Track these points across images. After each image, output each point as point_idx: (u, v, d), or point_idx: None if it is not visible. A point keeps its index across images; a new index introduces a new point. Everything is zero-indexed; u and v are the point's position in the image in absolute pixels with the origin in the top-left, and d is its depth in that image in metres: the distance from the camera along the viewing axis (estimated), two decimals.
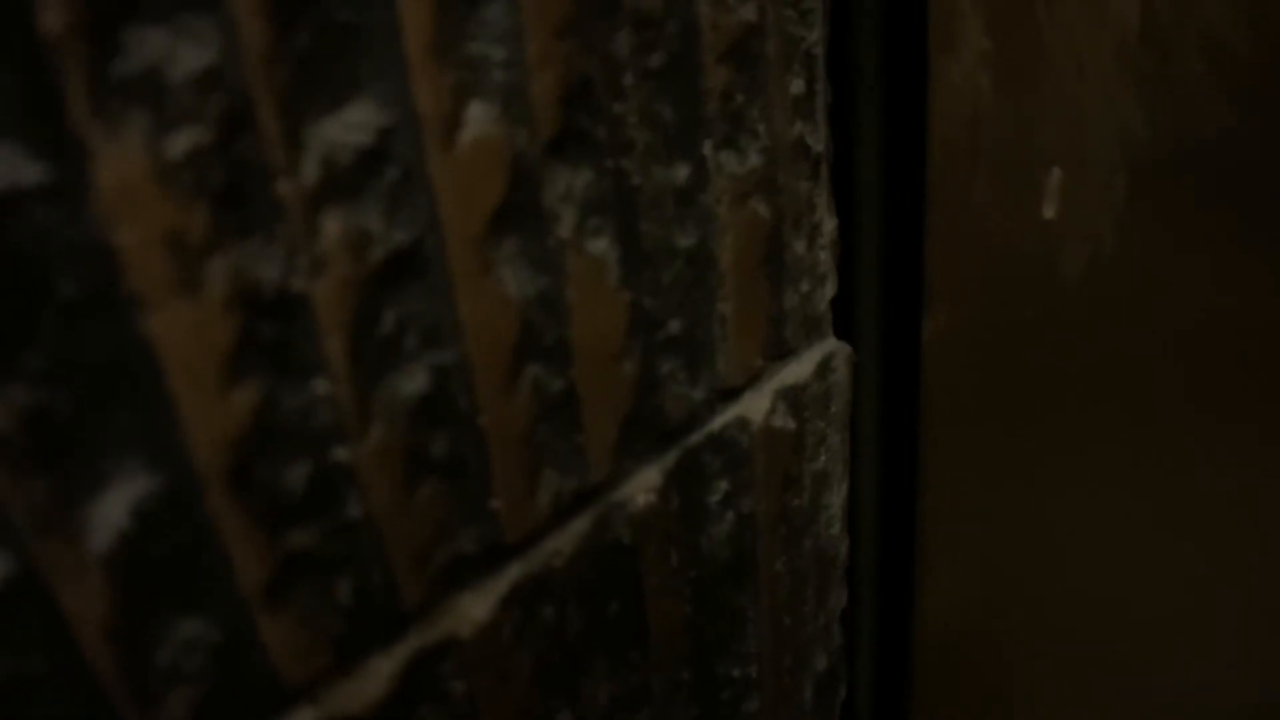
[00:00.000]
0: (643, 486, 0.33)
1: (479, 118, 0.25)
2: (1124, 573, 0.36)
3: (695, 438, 0.35)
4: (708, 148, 0.32)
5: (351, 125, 0.23)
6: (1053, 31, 0.30)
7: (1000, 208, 0.33)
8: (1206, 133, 0.28)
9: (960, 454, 0.40)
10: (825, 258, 0.38)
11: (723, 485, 0.36)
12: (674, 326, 0.33)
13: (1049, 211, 0.31)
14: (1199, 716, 0.36)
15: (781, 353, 0.38)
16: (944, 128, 0.33)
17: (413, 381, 0.26)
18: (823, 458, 0.41)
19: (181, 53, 0.20)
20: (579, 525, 0.32)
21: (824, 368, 0.39)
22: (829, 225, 0.38)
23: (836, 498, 0.42)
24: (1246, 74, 0.27)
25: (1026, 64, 0.30)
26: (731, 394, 0.36)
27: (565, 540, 0.31)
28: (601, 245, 0.30)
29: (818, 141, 0.36)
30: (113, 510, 0.21)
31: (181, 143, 0.21)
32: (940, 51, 0.32)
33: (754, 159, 0.34)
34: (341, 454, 0.25)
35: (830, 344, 0.40)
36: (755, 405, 0.37)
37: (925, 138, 0.34)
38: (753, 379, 0.37)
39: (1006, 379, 0.37)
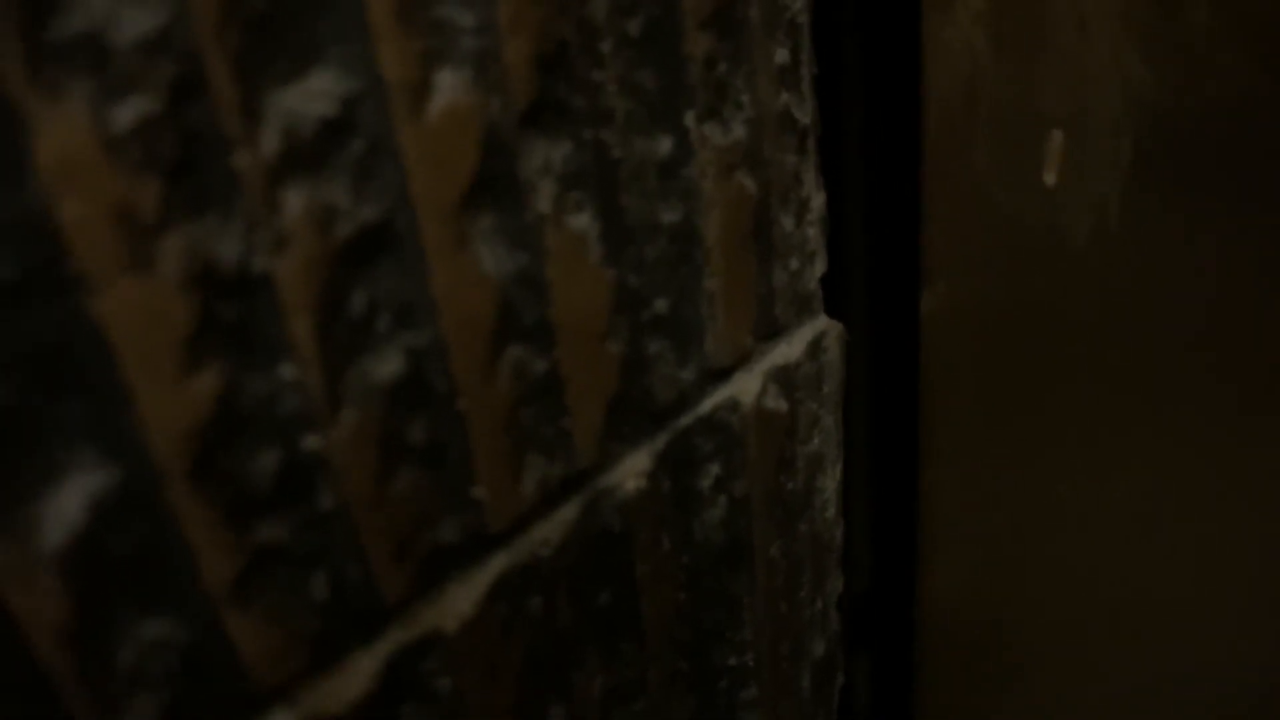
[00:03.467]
0: (632, 471, 0.32)
1: (449, 85, 0.24)
2: (1128, 554, 0.35)
3: (685, 420, 0.34)
4: (690, 119, 0.31)
5: (313, 94, 0.22)
6: None
7: (1000, 175, 0.32)
8: (1215, 90, 0.27)
9: (960, 432, 0.39)
10: (814, 234, 0.37)
11: (714, 469, 0.35)
12: (660, 305, 0.32)
13: (1050, 178, 0.30)
14: (1203, 701, 0.35)
15: (771, 332, 0.36)
16: (939, 91, 0.32)
17: (386, 364, 0.25)
18: (816, 440, 0.39)
19: (126, 14, 0.19)
20: (567, 512, 0.30)
21: (815, 347, 0.38)
22: (817, 200, 0.37)
23: (831, 481, 0.41)
24: (1256, 26, 0.26)
25: (1025, 21, 0.29)
26: (721, 375, 0.35)
27: (552, 528, 0.30)
28: (582, 220, 0.28)
29: (804, 114, 0.35)
30: (67, 506, 0.20)
31: (128, 112, 0.19)
32: (934, 10, 0.31)
33: (738, 130, 0.32)
34: (312, 442, 0.24)
35: (821, 322, 0.38)
36: (746, 386, 0.36)
37: (919, 102, 0.32)
38: (742, 359, 0.35)
39: (1008, 353, 0.36)
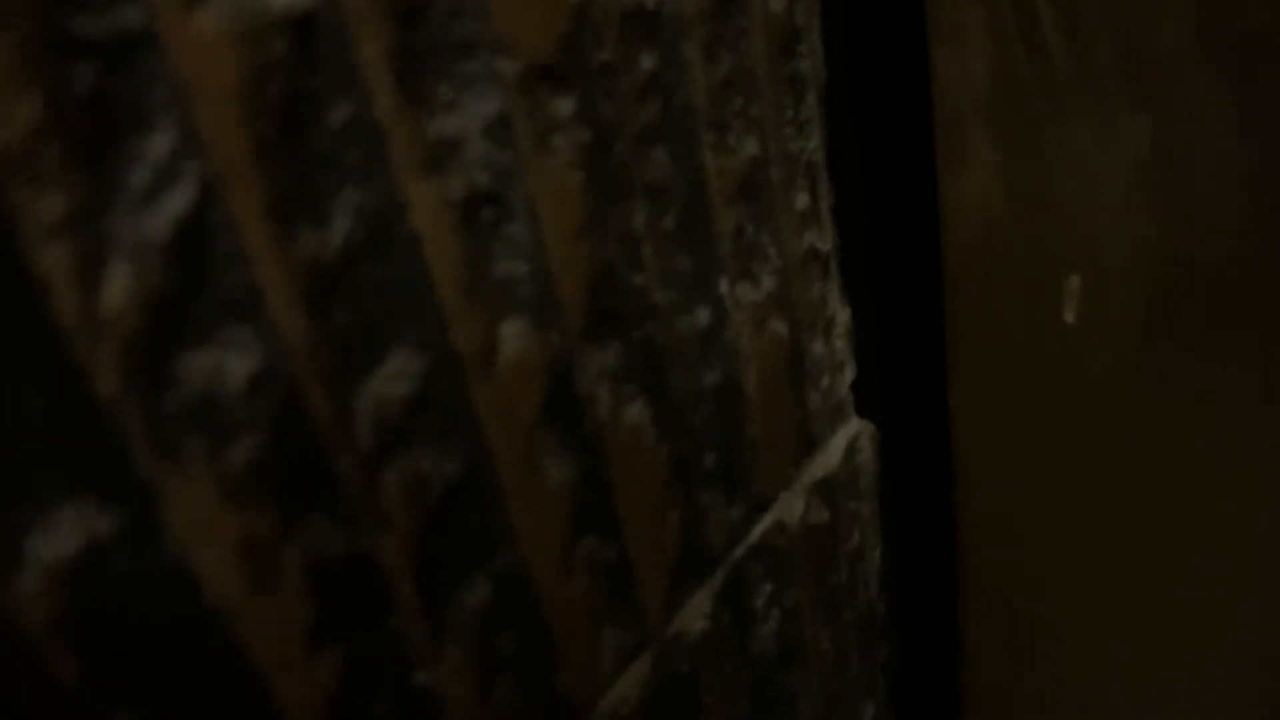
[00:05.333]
0: (695, 615, 0.34)
1: (513, 335, 0.26)
2: (1163, 644, 0.37)
3: (738, 553, 0.36)
4: (724, 285, 0.32)
5: (394, 377, 0.24)
6: (1062, 149, 0.30)
7: (1020, 311, 0.33)
8: (1222, 249, 0.28)
9: (995, 515, 0.41)
10: (842, 346, 0.39)
11: (767, 588, 0.37)
12: (709, 461, 0.33)
13: (1069, 316, 0.32)
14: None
15: (809, 449, 0.38)
16: (957, 234, 0.34)
17: (475, 593, 0.27)
18: (856, 535, 0.42)
19: (229, 366, 0.21)
20: (640, 668, 0.33)
21: (850, 450, 0.40)
22: (843, 317, 0.38)
23: (871, 565, 0.43)
24: (1255, 190, 0.27)
25: (1038, 178, 0.31)
26: (767, 503, 0.37)
27: (629, 687, 0.32)
28: (636, 411, 0.30)
29: (825, 243, 0.36)
30: None
31: (242, 453, 0.21)
32: (949, 162, 0.32)
33: (768, 283, 0.34)
34: (421, 678, 0.26)
35: (854, 425, 0.40)
36: (790, 507, 0.38)
37: (939, 246, 0.34)
38: (786, 484, 0.37)
39: (1034, 452, 0.38)
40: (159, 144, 0.19)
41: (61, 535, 0.19)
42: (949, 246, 0.35)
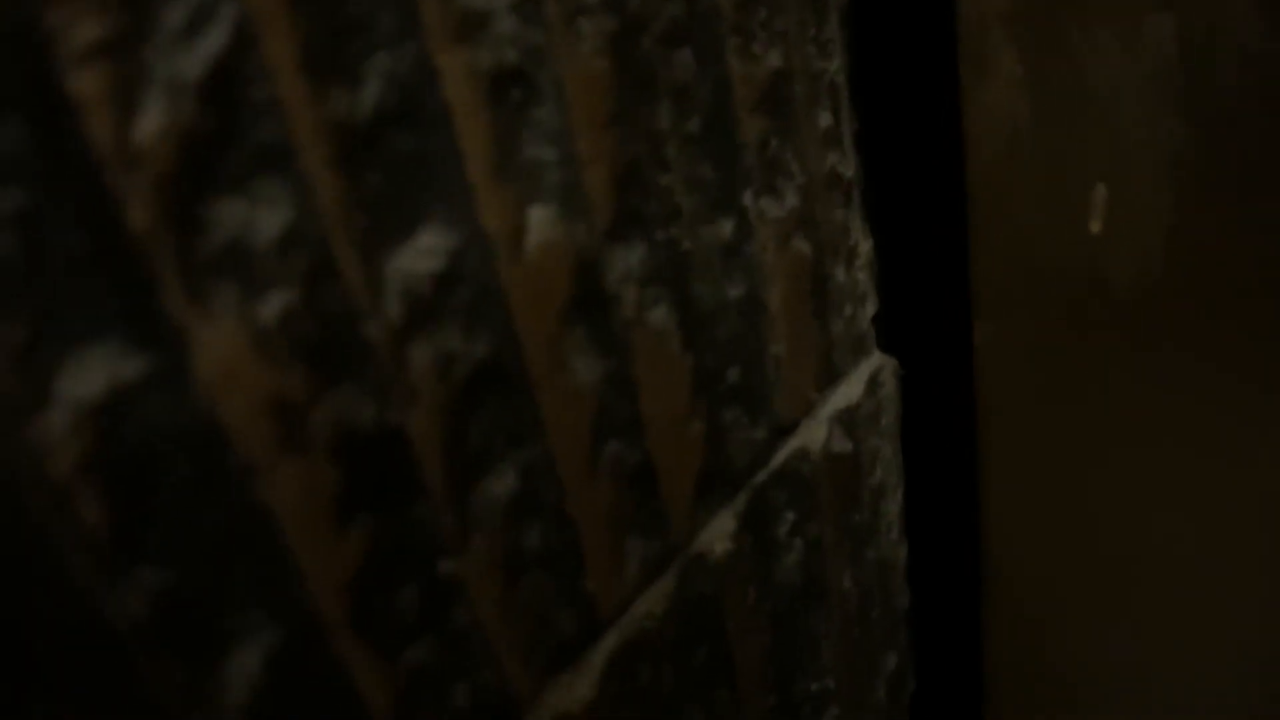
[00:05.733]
0: (719, 534, 0.34)
1: (541, 221, 0.26)
2: (1190, 562, 0.36)
3: (761, 476, 0.35)
4: (748, 198, 0.32)
5: (424, 252, 0.23)
6: (1087, 55, 0.30)
7: (1046, 225, 0.33)
8: (1249, 145, 0.28)
9: (1017, 450, 0.40)
10: (864, 278, 0.39)
11: (790, 516, 0.37)
12: (733, 376, 0.33)
13: (1095, 226, 0.32)
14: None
15: (832, 378, 0.38)
16: (980, 150, 0.33)
17: (502, 483, 0.26)
18: (879, 471, 0.41)
19: (260, 218, 0.20)
20: (665, 584, 0.32)
21: (873, 384, 0.40)
22: (864, 247, 0.38)
23: (893, 505, 0.43)
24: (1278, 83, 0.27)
25: (1063, 88, 0.30)
26: (790, 428, 0.36)
27: (654, 601, 0.32)
28: (661, 315, 0.30)
29: (848, 168, 0.36)
30: (245, 667, 0.22)
31: (271, 307, 0.21)
32: (973, 78, 0.32)
33: (791, 199, 0.34)
34: (446, 566, 0.25)
35: (876, 359, 0.40)
36: (813, 434, 0.37)
37: (962, 158, 0.34)
38: (808, 409, 0.37)
39: (1059, 380, 0.37)
40: None
41: (90, 376, 0.19)
42: (973, 165, 0.34)
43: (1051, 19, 0.30)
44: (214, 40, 0.19)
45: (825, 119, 0.35)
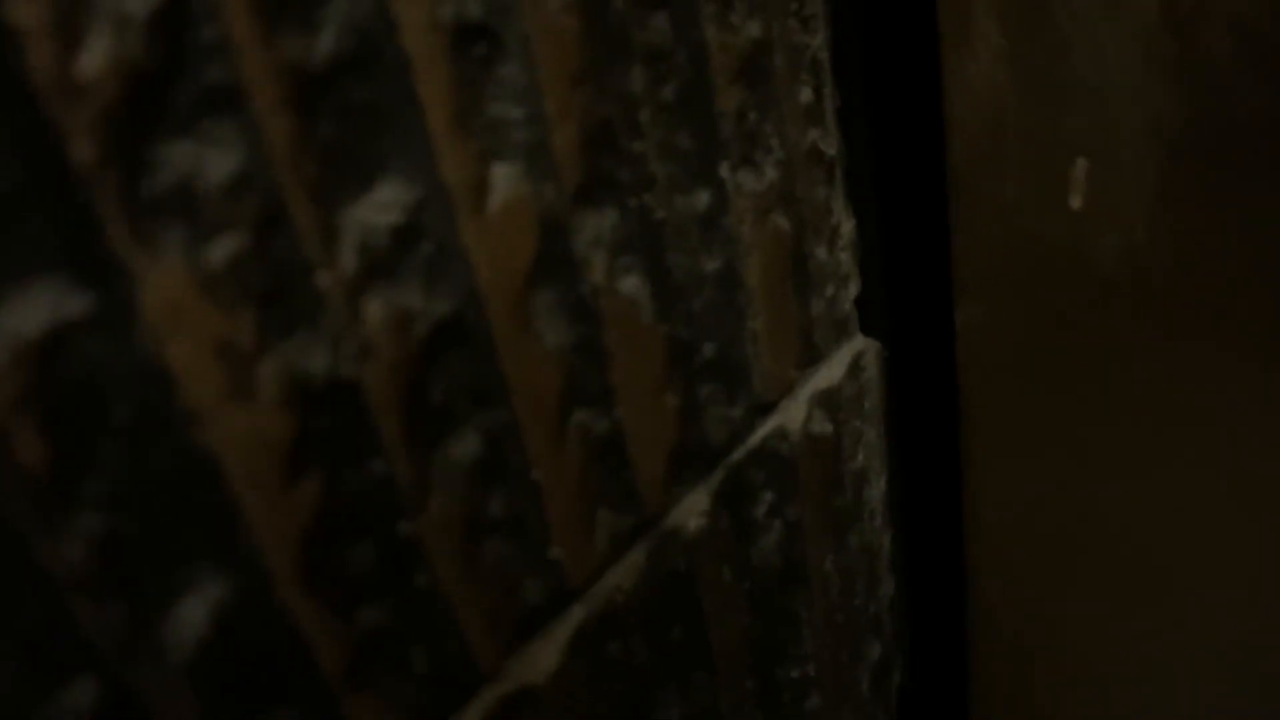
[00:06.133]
0: (693, 511, 0.33)
1: (505, 179, 0.25)
2: (1177, 548, 0.36)
3: (738, 455, 0.35)
4: (725, 170, 0.32)
5: (382, 205, 0.23)
6: (1070, 23, 0.29)
7: (1027, 201, 0.32)
8: (1237, 115, 0.28)
9: (1000, 434, 0.40)
10: (846, 258, 0.38)
11: (768, 496, 0.37)
12: (708, 350, 0.33)
13: (1076, 202, 0.31)
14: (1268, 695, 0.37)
15: (813, 359, 0.37)
16: (963, 123, 0.33)
17: (465, 446, 0.26)
18: (861, 455, 0.41)
19: (210, 160, 0.20)
20: (636, 558, 0.32)
21: (855, 367, 0.39)
22: (847, 227, 0.38)
23: (876, 491, 0.42)
24: (1271, 53, 0.27)
25: (1045, 58, 0.30)
26: (768, 407, 0.36)
27: (624, 575, 0.31)
28: (633, 283, 0.29)
29: (830, 146, 0.36)
30: (190, 620, 0.22)
31: (220, 251, 0.20)
32: (953, 52, 0.32)
33: (771, 174, 0.33)
34: (404, 528, 0.25)
35: (858, 342, 0.40)
36: (792, 414, 0.37)
37: (944, 137, 0.33)
38: (787, 389, 0.37)
39: (1044, 363, 0.37)
40: None
41: (31, 311, 0.18)
42: (954, 142, 0.34)
43: None
44: None
45: (807, 94, 0.34)
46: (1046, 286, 0.34)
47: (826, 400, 0.38)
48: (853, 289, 0.39)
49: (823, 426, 0.38)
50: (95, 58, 0.18)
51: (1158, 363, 0.33)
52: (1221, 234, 0.30)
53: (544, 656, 0.29)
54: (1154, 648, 0.39)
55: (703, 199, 0.31)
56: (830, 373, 0.38)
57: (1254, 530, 0.34)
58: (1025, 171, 0.32)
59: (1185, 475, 0.35)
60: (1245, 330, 0.31)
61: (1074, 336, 0.35)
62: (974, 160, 0.34)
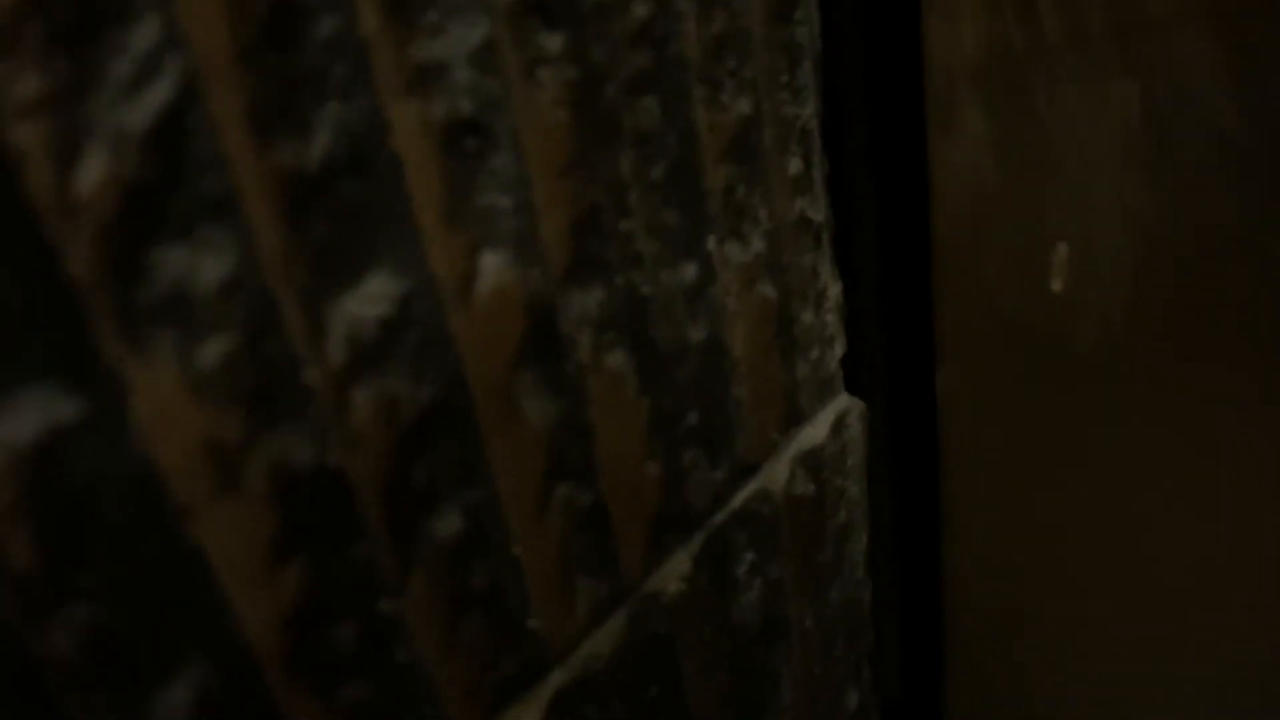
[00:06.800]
0: (673, 575, 0.34)
1: (493, 267, 0.26)
2: (1159, 611, 0.36)
3: (720, 517, 0.36)
4: (712, 243, 0.32)
5: (370, 297, 0.24)
6: (1053, 116, 0.30)
7: (1009, 280, 0.33)
8: (1211, 213, 0.28)
9: (980, 493, 0.41)
10: (832, 320, 0.39)
11: (749, 556, 0.37)
12: (692, 418, 0.33)
13: (1057, 285, 0.32)
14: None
15: (797, 419, 0.38)
16: (947, 204, 0.34)
17: (447, 524, 0.27)
18: (843, 512, 0.41)
19: (203, 266, 0.21)
20: (615, 624, 0.32)
21: (838, 425, 0.40)
22: (834, 290, 0.38)
23: (858, 545, 0.43)
24: (1246, 158, 0.27)
25: (1028, 146, 0.31)
26: (752, 469, 0.37)
27: (603, 641, 0.32)
28: (618, 359, 0.30)
29: (818, 213, 0.36)
30: (176, 704, 0.22)
31: (211, 353, 0.21)
32: (939, 133, 0.32)
33: (757, 245, 0.34)
34: (386, 606, 0.26)
35: (843, 401, 0.40)
36: (775, 475, 0.37)
37: (929, 212, 0.34)
38: (771, 450, 0.37)
39: (1021, 428, 0.37)
40: (142, 36, 0.19)
41: (24, 419, 0.19)
42: (939, 219, 0.35)
43: (1018, 79, 0.30)
44: (159, 94, 0.20)
45: (795, 165, 0.35)
46: (1026, 360, 0.35)
47: (810, 460, 0.39)
48: (838, 349, 0.39)
49: (805, 486, 0.39)
50: (92, 175, 0.19)
51: (1132, 438, 0.34)
52: (1197, 323, 0.30)
53: None
54: (1135, 692, 0.39)
55: (689, 272, 0.32)
56: (814, 432, 0.39)
57: (1232, 594, 0.34)
58: (1007, 251, 0.33)
59: (1163, 539, 0.35)
60: (1217, 415, 0.31)
61: (1051, 408, 0.35)
62: (957, 237, 0.34)
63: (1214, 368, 0.31)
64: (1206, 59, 0.27)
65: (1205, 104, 0.27)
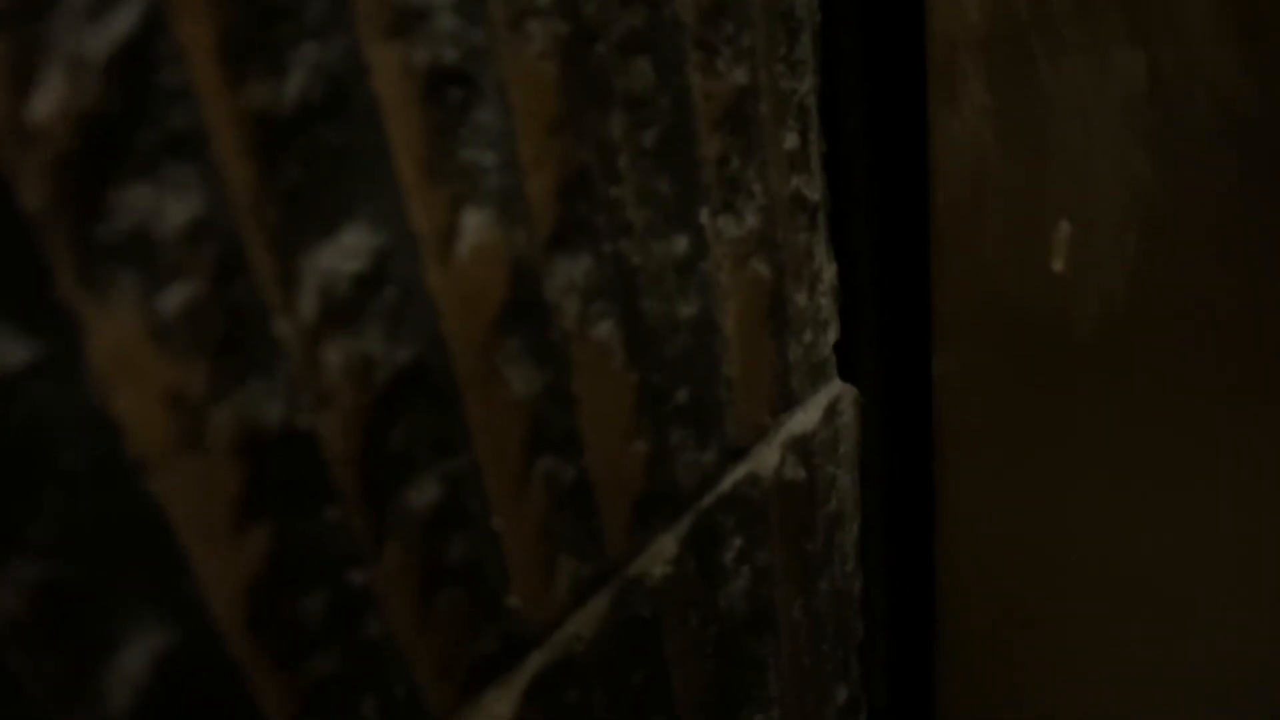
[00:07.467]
0: (659, 558, 0.33)
1: (476, 225, 0.25)
2: (1156, 598, 0.35)
3: (707, 500, 0.35)
4: (705, 215, 0.31)
5: (346, 251, 0.23)
6: (1056, 87, 0.29)
7: (1008, 260, 0.32)
8: (1217, 187, 0.27)
9: (974, 482, 0.40)
10: (826, 303, 0.38)
11: (737, 542, 0.36)
12: (681, 396, 0.32)
13: (1058, 265, 0.31)
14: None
15: (788, 403, 0.37)
16: (946, 179, 0.33)
17: (424, 494, 0.26)
18: (834, 501, 0.40)
19: (168, 206, 0.20)
20: (597, 605, 0.31)
21: (831, 412, 0.39)
22: (828, 272, 0.37)
23: (849, 536, 0.42)
24: (1254, 130, 0.26)
25: (1030, 119, 0.30)
26: (741, 452, 0.36)
27: (585, 622, 0.31)
28: (605, 329, 0.29)
29: (814, 191, 0.36)
30: (131, 668, 0.21)
31: (174, 298, 0.20)
32: (940, 107, 0.32)
33: (751, 220, 0.33)
34: (358, 576, 0.25)
35: (835, 387, 0.39)
36: (765, 460, 0.36)
37: (927, 191, 0.33)
38: (761, 434, 0.36)
39: (1018, 414, 0.36)
40: None
41: None
42: (938, 198, 0.34)
43: (1021, 48, 0.30)
44: (123, 20, 0.19)
45: (792, 140, 0.34)
46: (1024, 344, 0.34)
47: (801, 445, 0.38)
48: (832, 334, 0.39)
49: (796, 472, 0.38)
50: (49, 102, 0.18)
51: (1133, 422, 0.33)
52: (1200, 304, 0.29)
53: (499, 705, 0.29)
54: (1127, 694, 0.38)
55: (680, 245, 0.31)
56: (806, 418, 0.38)
57: (1233, 576, 0.34)
58: (1008, 230, 0.32)
59: (1160, 526, 0.34)
60: (1221, 396, 0.31)
61: (1049, 394, 0.35)
62: (956, 216, 0.33)
63: (1218, 356, 0.30)
64: (1212, 23, 0.26)
65: (1211, 70, 0.26)
